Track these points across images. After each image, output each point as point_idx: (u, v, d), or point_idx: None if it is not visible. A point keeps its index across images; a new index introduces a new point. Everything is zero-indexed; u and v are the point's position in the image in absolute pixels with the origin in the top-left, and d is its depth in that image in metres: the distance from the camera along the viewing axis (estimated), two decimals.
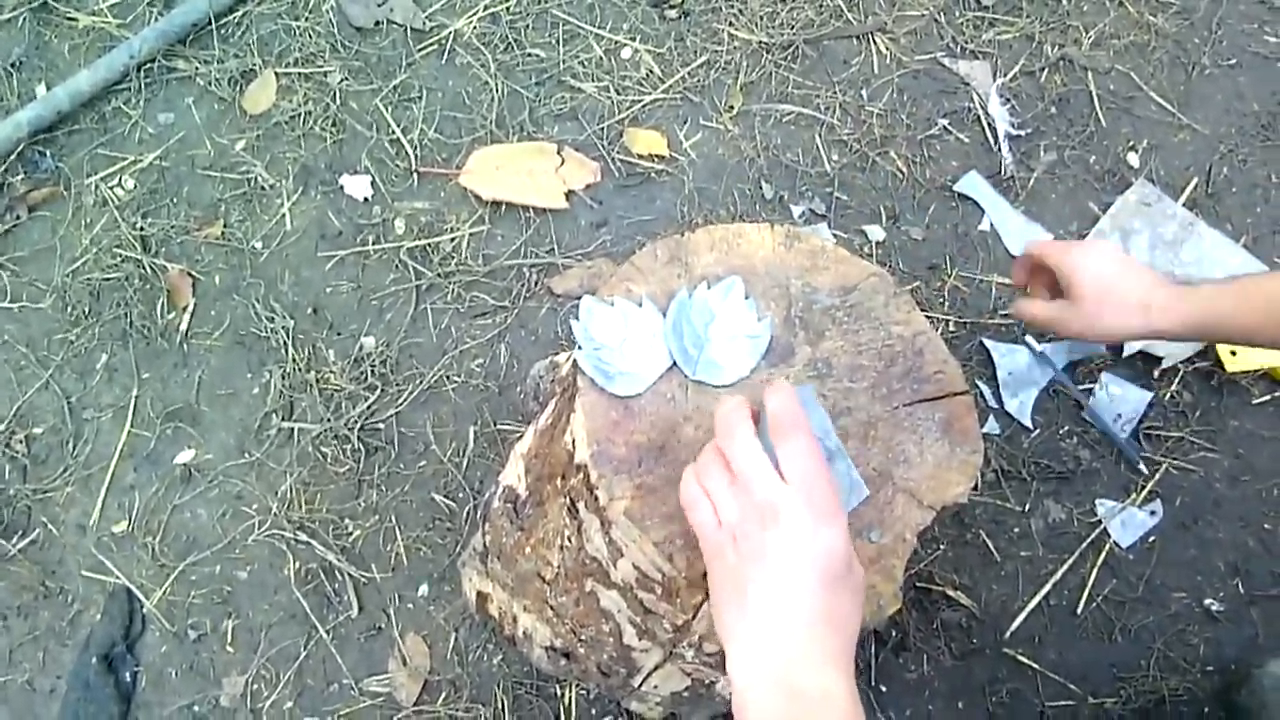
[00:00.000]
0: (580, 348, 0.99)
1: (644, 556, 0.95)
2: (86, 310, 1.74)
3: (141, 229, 1.79)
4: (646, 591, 1.01)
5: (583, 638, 1.23)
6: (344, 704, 1.52)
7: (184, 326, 1.73)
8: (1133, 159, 1.85)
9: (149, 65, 1.89)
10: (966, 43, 1.93)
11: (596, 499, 0.96)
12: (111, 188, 1.83)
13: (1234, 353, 1.68)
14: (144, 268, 1.76)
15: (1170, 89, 1.91)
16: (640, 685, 1.28)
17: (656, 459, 0.95)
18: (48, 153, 1.85)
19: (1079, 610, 1.59)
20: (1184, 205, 1.81)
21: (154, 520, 1.62)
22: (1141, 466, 1.65)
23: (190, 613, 1.57)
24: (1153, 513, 1.64)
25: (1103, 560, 1.61)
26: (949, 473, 1.00)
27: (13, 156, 1.82)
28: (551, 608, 1.24)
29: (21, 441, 1.67)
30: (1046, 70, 1.91)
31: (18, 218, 1.80)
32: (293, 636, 1.56)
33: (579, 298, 1.36)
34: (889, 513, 0.97)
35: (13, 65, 1.92)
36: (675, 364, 0.99)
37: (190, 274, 1.77)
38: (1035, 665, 1.56)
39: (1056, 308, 1.29)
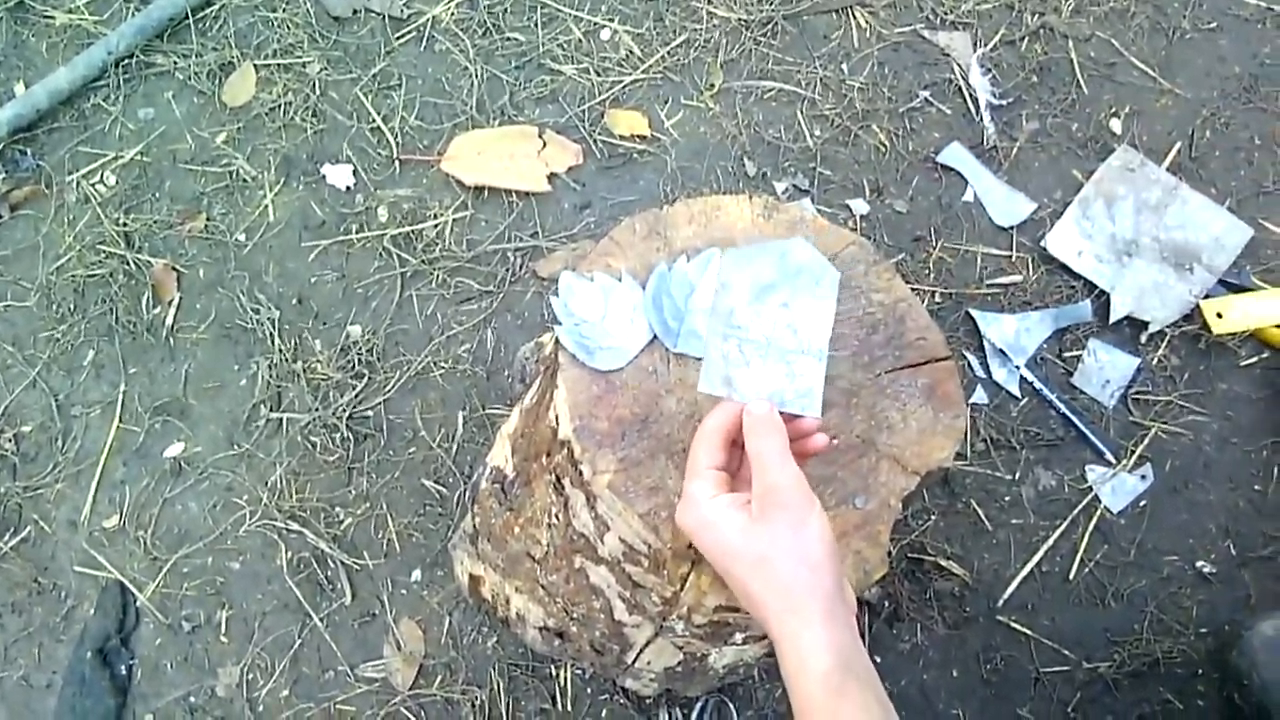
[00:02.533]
0: (560, 324, 0.99)
1: (629, 529, 0.95)
2: (72, 307, 1.74)
3: (124, 225, 1.79)
4: (634, 564, 1.01)
5: (575, 616, 1.24)
6: (340, 690, 1.52)
7: (170, 321, 1.73)
8: (1115, 125, 1.85)
9: (127, 61, 1.89)
10: (946, 14, 1.92)
11: (581, 474, 0.96)
12: (93, 184, 1.82)
13: (1220, 315, 1.68)
14: (128, 263, 1.76)
15: (1151, 54, 1.91)
16: (634, 662, 1.29)
17: (639, 432, 0.95)
18: (28, 151, 1.84)
19: (1071, 576, 1.60)
20: (1168, 169, 1.81)
21: (145, 514, 1.62)
22: (1109, 456, 1.65)
23: (184, 605, 1.57)
24: (1143, 477, 1.64)
25: (1094, 526, 1.62)
26: (933, 438, 1.00)
27: None
28: (543, 587, 1.24)
29: (10, 440, 1.66)
30: (1027, 39, 1.91)
31: (0, 217, 1.79)
32: (287, 625, 1.56)
33: None
34: (873, 479, 0.97)
35: None
36: (656, 337, 0.99)
37: (174, 268, 1.76)
38: (1029, 632, 1.56)
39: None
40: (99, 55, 1.85)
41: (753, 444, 0.82)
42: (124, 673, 1.54)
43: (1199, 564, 1.61)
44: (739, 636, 1.12)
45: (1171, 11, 1.94)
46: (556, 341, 1.00)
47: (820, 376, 0.88)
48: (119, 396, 1.69)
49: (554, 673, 1.53)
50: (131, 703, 1.53)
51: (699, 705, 1.50)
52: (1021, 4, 1.93)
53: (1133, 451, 1.65)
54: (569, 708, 1.52)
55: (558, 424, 0.99)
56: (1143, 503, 1.63)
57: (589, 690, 1.53)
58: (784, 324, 0.88)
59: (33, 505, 1.63)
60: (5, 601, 1.59)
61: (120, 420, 1.67)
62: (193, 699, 1.53)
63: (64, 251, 1.77)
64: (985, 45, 1.90)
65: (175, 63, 1.89)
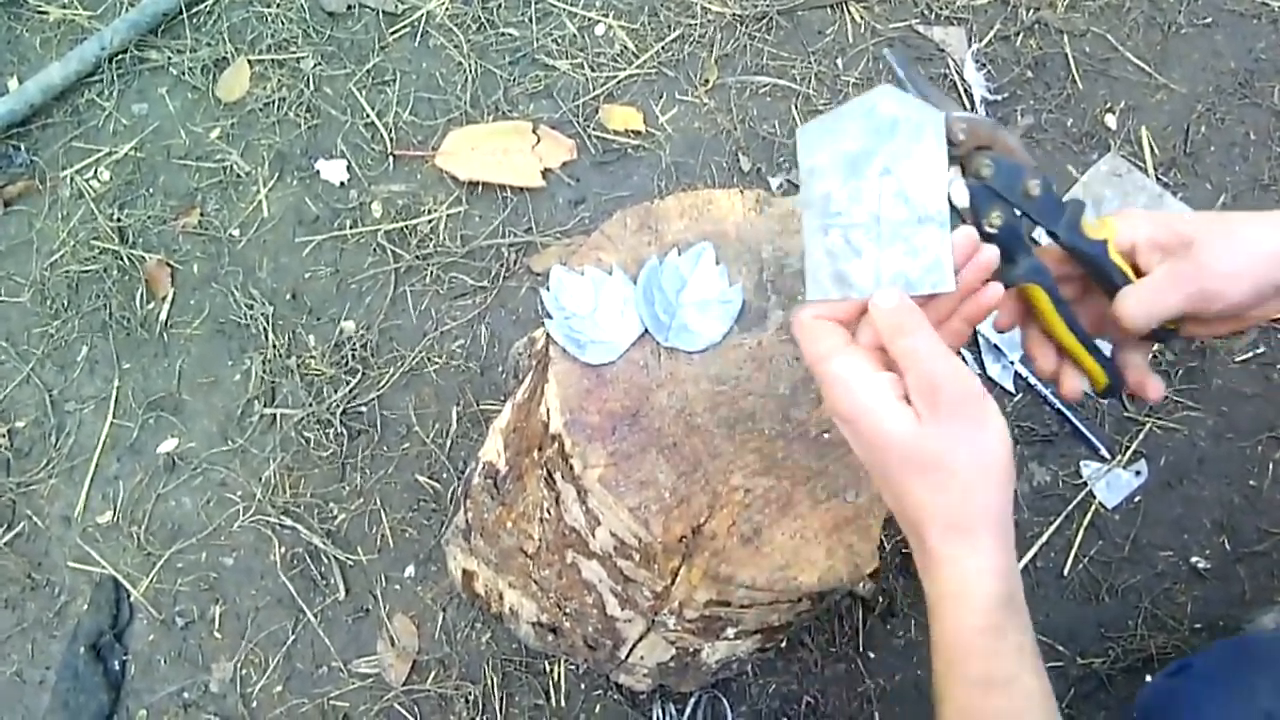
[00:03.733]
0: (551, 317, 0.99)
1: (620, 523, 0.95)
2: (66, 303, 1.74)
3: (118, 220, 1.78)
4: (625, 559, 1.01)
5: (567, 611, 1.24)
6: (333, 686, 1.52)
7: (163, 316, 1.73)
8: (1110, 120, 1.85)
9: (121, 56, 1.88)
10: (941, 9, 1.92)
11: (572, 468, 0.96)
12: (87, 180, 1.82)
13: None
14: (122, 259, 1.75)
15: (1147, 49, 1.90)
16: (627, 657, 1.29)
17: (630, 426, 0.95)
18: (22, 147, 1.84)
19: (1066, 572, 1.60)
20: (1163, 165, 1.81)
21: (139, 510, 1.62)
22: (1104, 452, 1.65)
23: (177, 600, 1.57)
24: (1138, 473, 1.64)
25: (1088, 521, 1.62)
26: None
27: None
28: (535, 582, 1.24)
29: (4, 435, 1.66)
30: (1022, 34, 1.91)
31: None
32: (280, 620, 1.56)
33: None
34: (865, 473, 0.97)
35: None
36: (647, 331, 0.99)
37: (168, 263, 1.76)
38: None
39: (1168, 272, 0.77)
40: (92, 50, 1.85)
41: (899, 343, 0.71)
42: (117, 668, 1.54)
43: (1193, 559, 1.61)
44: (731, 631, 1.12)
45: (1167, 7, 1.94)
46: (548, 336, 1.00)
47: (946, 243, 0.74)
48: (113, 392, 1.69)
49: (548, 668, 1.53)
50: (125, 698, 1.53)
51: (692, 701, 1.50)
52: None
53: (1127, 447, 1.65)
54: (563, 703, 1.52)
55: (549, 418, 0.99)
56: (1137, 498, 1.63)
57: (582, 686, 1.53)
58: (890, 194, 0.75)
59: (26, 501, 1.63)
60: None
61: (114, 416, 1.67)
62: (186, 694, 1.53)
63: (58, 247, 1.77)
64: (980, 40, 1.90)
65: (169, 58, 1.89)
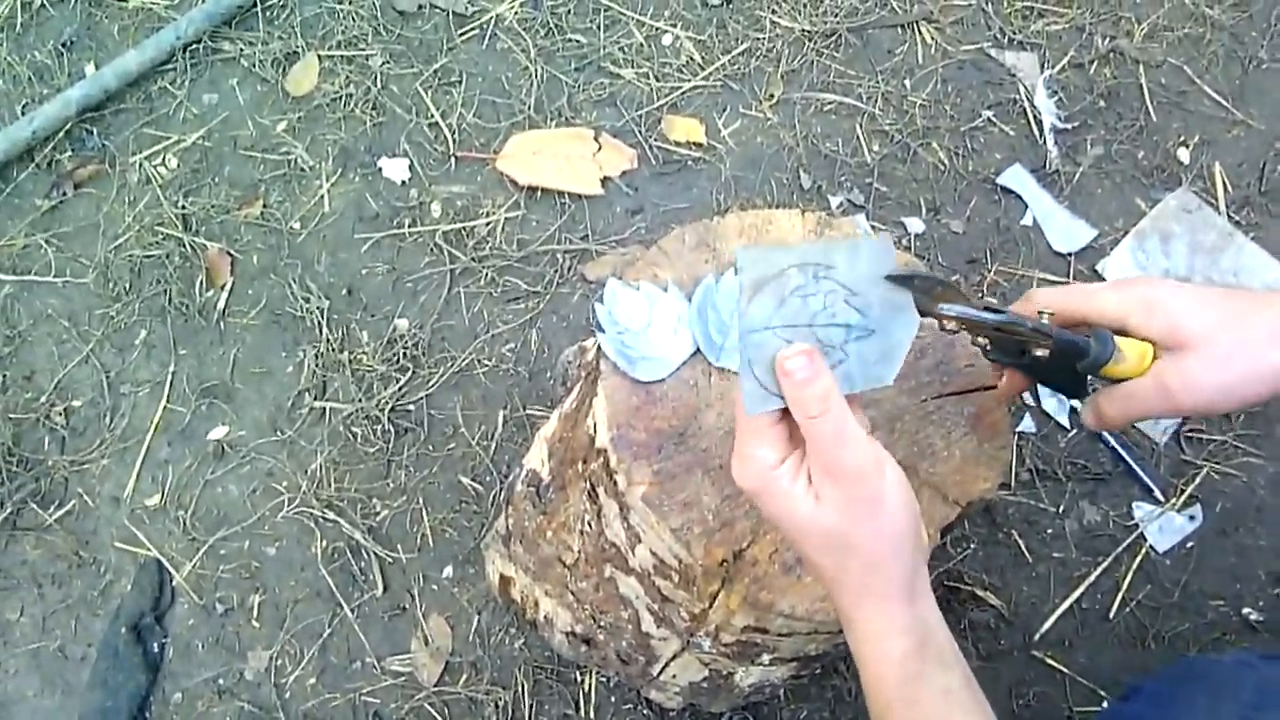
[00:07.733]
0: (603, 331, 0.99)
1: (661, 543, 0.94)
2: (127, 286, 1.77)
3: (183, 207, 1.81)
4: (664, 579, 1.00)
5: (602, 624, 1.23)
6: (366, 682, 1.53)
7: (221, 304, 1.75)
8: (1183, 155, 1.81)
9: (195, 46, 1.91)
10: (1014, 33, 1.89)
11: (615, 484, 0.95)
12: (155, 166, 1.85)
13: None
14: (184, 246, 1.78)
15: (1225, 83, 1.86)
16: (659, 674, 1.28)
17: (676, 445, 0.94)
18: (95, 131, 1.87)
19: (1111, 615, 1.56)
20: (1235, 203, 1.76)
21: (186, 495, 1.64)
22: (1158, 494, 1.61)
23: (218, 587, 1.59)
24: (1192, 517, 1.60)
25: (1138, 564, 1.58)
26: (976, 468, 0.98)
27: (61, 134, 1.85)
28: (572, 593, 1.24)
29: (61, 414, 1.69)
30: (1096, 63, 1.87)
31: (64, 194, 1.83)
32: (318, 613, 1.57)
33: None
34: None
35: (64, 45, 1.94)
36: (699, 350, 0.98)
37: (229, 253, 1.78)
38: (1064, 669, 1.53)
39: (1152, 382, 0.80)
40: (168, 39, 1.88)
41: (805, 420, 0.73)
42: (156, 650, 1.56)
43: (1245, 610, 1.56)
44: (766, 658, 1.11)
45: (1249, 40, 1.89)
46: (599, 348, 0.99)
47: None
48: (168, 377, 1.71)
49: (579, 678, 1.53)
50: (162, 680, 1.55)
51: None
52: (1092, 27, 1.89)
53: (1182, 490, 1.61)
54: (592, 715, 1.51)
55: (595, 432, 0.99)
56: (1190, 544, 1.59)
57: (613, 699, 1.52)
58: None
59: (78, 479, 1.66)
60: (46, 573, 1.62)
61: (167, 400, 1.70)
62: (221, 681, 1.55)
63: (123, 231, 1.80)
64: (1053, 67, 1.87)
65: (241, 50, 1.92)
